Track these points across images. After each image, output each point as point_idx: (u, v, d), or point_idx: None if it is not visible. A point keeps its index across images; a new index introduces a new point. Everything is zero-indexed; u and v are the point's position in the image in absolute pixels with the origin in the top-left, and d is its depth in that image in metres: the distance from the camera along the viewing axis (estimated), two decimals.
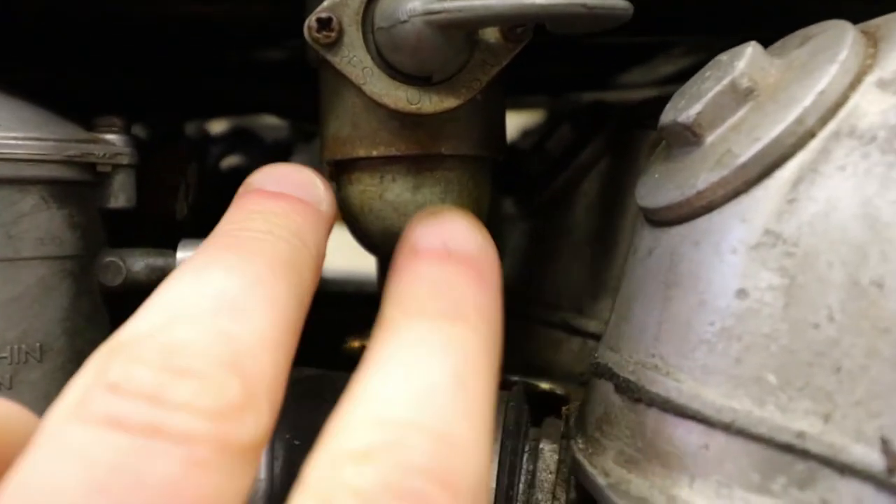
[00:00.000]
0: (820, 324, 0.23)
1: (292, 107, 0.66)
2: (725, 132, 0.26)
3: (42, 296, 0.31)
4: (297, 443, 0.31)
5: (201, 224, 0.50)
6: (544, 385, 0.40)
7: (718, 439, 0.24)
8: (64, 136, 0.32)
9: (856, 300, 0.22)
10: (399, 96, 0.29)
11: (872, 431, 0.21)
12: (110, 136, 0.33)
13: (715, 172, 0.25)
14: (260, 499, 0.30)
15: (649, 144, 0.43)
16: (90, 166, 0.32)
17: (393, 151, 0.31)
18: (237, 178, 0.71)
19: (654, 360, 0.26)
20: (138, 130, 0.62)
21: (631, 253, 0.30)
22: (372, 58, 0.29)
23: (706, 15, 0.46)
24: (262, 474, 0.31)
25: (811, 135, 0.24)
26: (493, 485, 0.31)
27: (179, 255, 0.33)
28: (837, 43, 0.25)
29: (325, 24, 0.28)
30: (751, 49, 0.27)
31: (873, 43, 0.26)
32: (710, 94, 0.26)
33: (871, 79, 0.24)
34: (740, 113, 0.26)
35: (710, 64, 0.29)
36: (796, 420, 0.22)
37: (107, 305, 0.35)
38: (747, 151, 0.24)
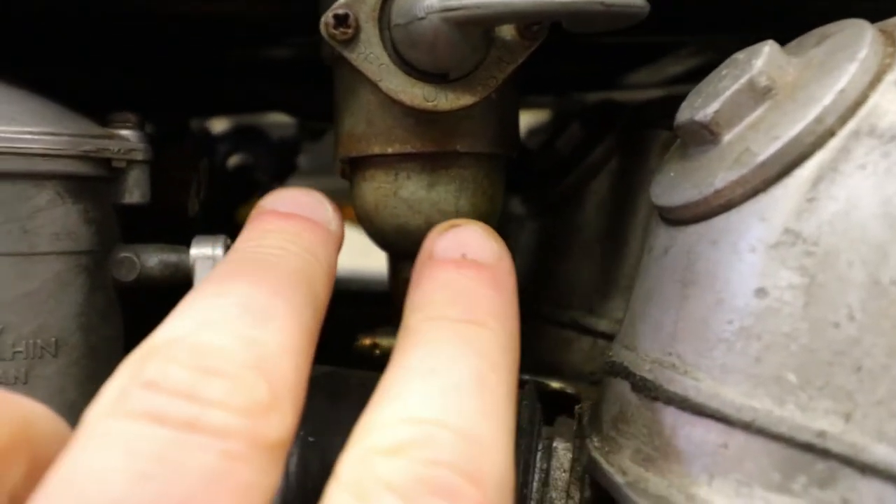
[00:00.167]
0: (840, 323, 0.22)
1: (298, 104, 0.66)
2: (743, 131, 0.26)
3: (57, 291, 0.31)
4: (311, 439, 0.31)
5: (210, 221, 0.50)
6: (555, 384, 0.40)
7: (738, 438, 0.24)
8: (79, 131, 0.32)
9: (876, 299, 0.22)
10: (415, 93, 0.29)
11: (894, 431, 0.21)
12: (125, 132, 0.33)
13: (733, 171, 0.25)
14: (276, 493, 0.30)
15: (660, 144, 0.43)
16: (105, 162, 0.32)
17: (408, 149, 0.31)
18: (244, 175, 0.71)
19: (672, 359, 0.26)
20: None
21: (646, 251, 0.30)
22: (388, 55, 0.29)
23: (713, 14, 0.46)
24: None
25: (831, 133, 0.24)
26: None
27: (193, 251, 0.33)
28: (856, 42, 0.25)
29: (342, 20, 0.28)
30: (768, 48, 0.27)
31: (892, 42, 0.26)
32: (728, 93, 0.26)
33: (890, 77, 0.24)
34: (758, 112, 0.26)
35: (726, 62, 0.28)
36: (817, 419, 0.22)
37: (120, 301, 0.35)
38: (766, 150, 0.24)
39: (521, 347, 0.26)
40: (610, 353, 0.30)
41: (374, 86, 0.29)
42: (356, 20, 0.28)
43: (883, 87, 0.24)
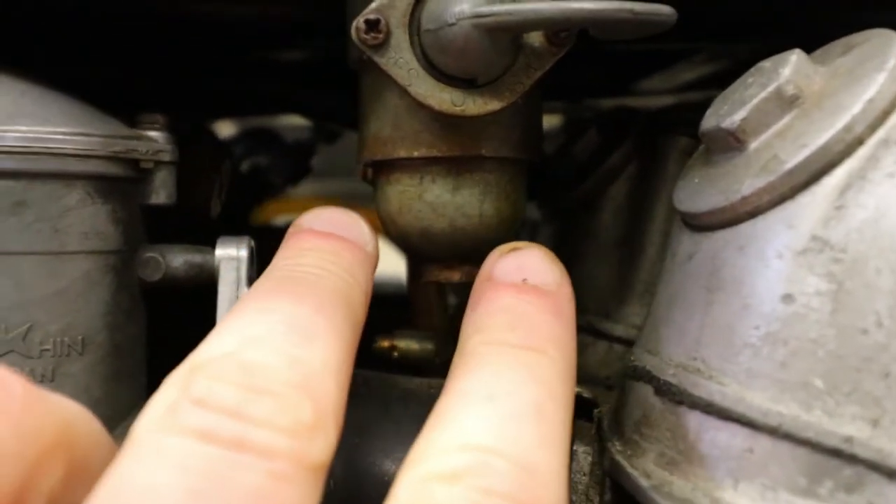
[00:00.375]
0: (868, 329, 0.23)
1: (315, 107, 0.67)
2: (770, 138, 0.26)
3: (86, 290, 0.31)
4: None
5: (224, 223, 0.51)
6: None
7: (764, 443, 0.24)
8: (109, 132, 0.32)
9: None
10: (444, 98, 0.29)
11: None
12: (153, 133, 0.34)
13: (761, 178, 0.25)
14: None
15: (678, 150, 0.43)
16: (134, 162, 0.33)
17: (434, 153, 0.31)
18: (258, 178, 0.71)
19: (696, 364, 0.26)
20: None
21: (668, 257, 0.30)
22: (418, 60, 0.29)
23: (726, 21, 0.46)
24: None
25: (859, 142, 0.24)
26: None
27: (218, 251, 0.34)
28: (885, 51, 0.25)
29: (373, 25, 0.28)
30: (795, 56, 0.27)
31: None
32: (755, 101, 0.26)
33: None
34: (785, 120, 0.26)
35: (751, 70, 0.29)
36: (844, 425, 0.23)
37: (144, 300, 0.35)
38: (794, 158, 0.25)
39: None
40: (632, 358, 0.31)
41: (402, 90, 0.30)
42: (387, 25, 0.28)
43: None
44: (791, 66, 0.26)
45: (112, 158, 0.32)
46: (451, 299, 0.43)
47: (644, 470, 0.27)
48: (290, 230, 0.29)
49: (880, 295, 0.23)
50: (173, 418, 0.19)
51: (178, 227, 0.37)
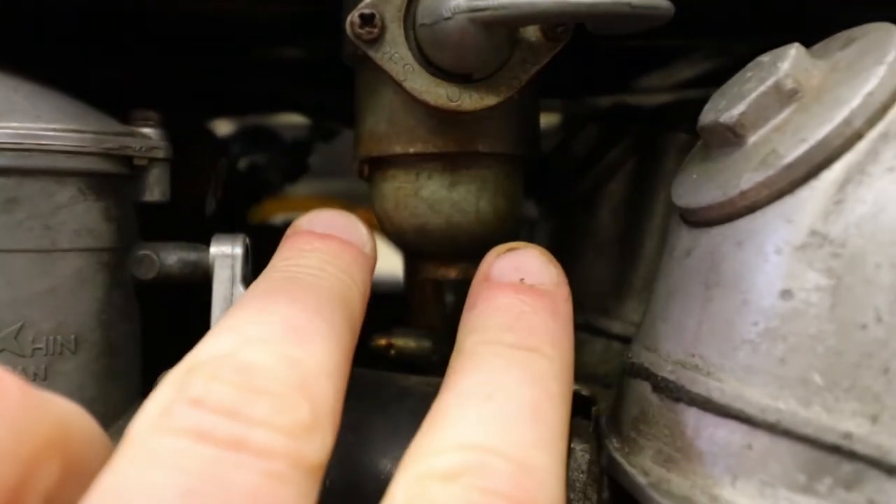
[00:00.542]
0: (867, 325, 0.23)
1: (312, 104, 0.66)
2: (769, 133, 0.26)
3: (78, 288, 0.31)
4: None
5: (222, 221, 0.50)
6: None
7: (762, 439, 0.24)
8: (101, 128, 0.32)
9: None
10: (439, 93, 0.29)
11: None
12: (146, 130, 0.33)
13: (759, 172, 0.25)
14: None
15: (677, 147, 0.43)
16: (127, 159, 0.33)
17: (430, 148, 0.31)
18: (256, 176, 0.71)
19: (695, 360, 0.26)
20: None
21: (666, 253, 0.30)
22: (413, 55, 0.29)
23: (725, 18, 0.46)
24: None
25: (858, 136, 0.24)
26: None
27: (213, 249, 0.33)
28: (884, 45, 0.25)
29: (367, 20, 0.28)
30: (794, 50, 0.27)
31: None
32: (754, 95, 0.26)
33: None
34: (784, 114, 0.26)
35: (750, 65, 0.29)
36: (843, 421, 0.22)
37: (138, 298, 0.35)
38: (793, 152, 0.24)
39: None
40: (629, 355, 0.30)
41: (398, 85, 0.29)
42: (382, 20, 0.28)
43: None
44: (790, 61, 0.26)
45: (105, 155, 0.31)
46: (448, 297, 0.43)
47: (642, 467, 0.27)
48: (289, 231, 0.29)
49: (880, 290, 0.22)
50: (170, 418, 0.19)
51: (174, 225, 0.37)
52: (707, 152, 0.29)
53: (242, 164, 0.73)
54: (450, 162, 0.32)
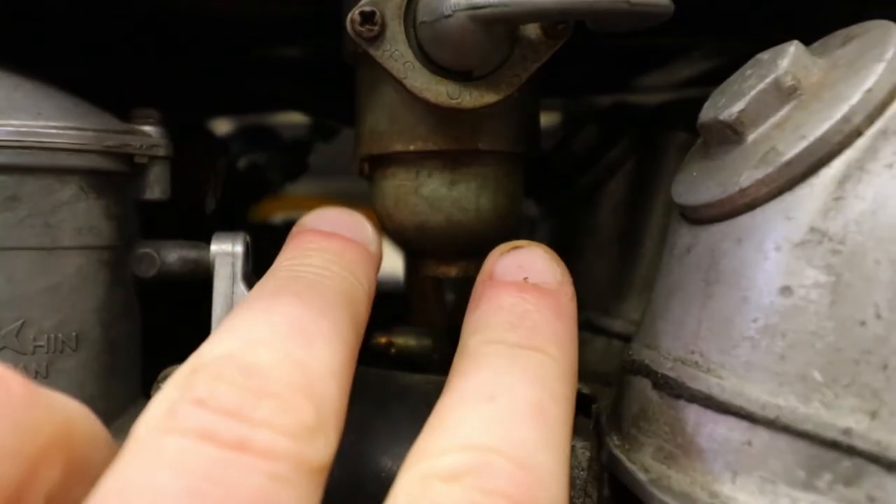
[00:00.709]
0: (867, 321, 0.23)
1: (313, 104, 0.66)
2: (768, 130, 0.26)
3: (79, 285, 0.31)
4: None
5: (222, 220, 0.50)
6: None
7: (762, 436, 0.24)
8: (102, 126, 0.32)
9: None
10: (439, 91, 0.29)
11: None
12: (147, 128, 0.33)
13: (759, 170, 0.25)
14: None
15: (677, 146, 0.43)
16: (128, 157, 0.33)
17: (430, 146, 0.31)
18: (255, 175, 0.71)
19: (694, 357, 0.26)
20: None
21: (666, 250, 0.30)
22: (413, 52, 0.29)
23: (724, 17, 0.46)
24: None
25: (858, 133, 0.24)
26: None
27: (213, 247, 0.33)
28: (883, 42, 0.25)
29: (368, 17, 0.28)
30: (794, 48, 0.27)
31: None
32: (753, 93, 0.26)
33: None
34: (783, 111, 0.26)
35: (750, 63, 0.29)
36: (843, 417, 0.22)
37: (139, 296, 0.35)
38: (793, 149, 0.24)
39: None
40: (630, 352, 0.30)
41: (398, 83, 0.29)
42: (382, 17, 0.28)
43: None
44: (789, 58, 0.26)
45: (106, 153, 0.31)
46: (449, 295, 0.43)
47: (642, 464, 0.27)
48: (294, 230, 0.29)
49: (879, 287, 0.23)
50: (174, 418, 0.19)
51: (174, 223, 0.37)
52: (707, 150, 0.29)
53: (242, 163, 0.73)
54: (450, 160, 0.32)
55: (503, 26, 0.28)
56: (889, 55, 0.24)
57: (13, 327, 0.30)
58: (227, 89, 0.65)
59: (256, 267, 0.34)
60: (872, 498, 0.22)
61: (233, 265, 0.33)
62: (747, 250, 0.25)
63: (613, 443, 0.29)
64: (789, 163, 0.24)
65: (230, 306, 0.32)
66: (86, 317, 0.32)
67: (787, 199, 0.25)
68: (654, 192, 0.43)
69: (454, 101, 0.29)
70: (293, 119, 0.76)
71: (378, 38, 0.29)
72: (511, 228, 0.35)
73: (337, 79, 0.44)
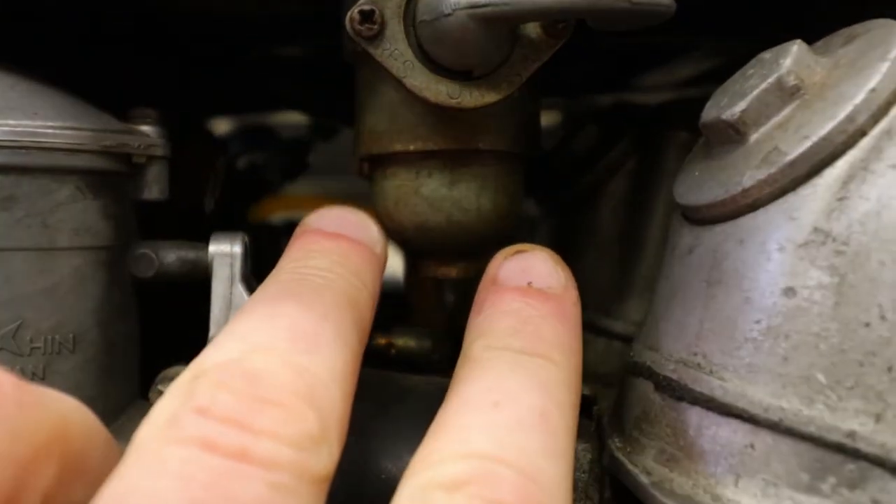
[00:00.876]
0: (871, 323, 0.22)
1: (313, 103, 0.66)
2: (771, 130, 0.26)
3: (76, 286, 0.31)
4: None
5: (221, 220, 0.50)
6: None
7: (765, 438, 0.23)
8: (100, 126, 0.31)
9: None
10: (439, 90, 0.29)
11: None
12: (145, 128, 0.33)
13: (761, 170, 0.25)
14: None
15: (678, 145, 0.43)
16: (125, 157, 0.32)
17: (430, 146, 0.31)
18: (255, 175, 0.70)
19: (697, 359, 0.26)
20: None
21: (668, 251, 0.30)
22: (413, 51, 0.29)
23: (725, 17, 0.46)
24: None
25: (862, 133, 0.24)
26: None
27: (211, 248, 0.33)
28: (887, 41, 0.25)
29: (367, 16, 0.28)
30: (796, 47, 0.26)
31: None
32: (756, 92, 0.26)
33: None
34: (786, 111, 0.26)
35: (752, 62, 0.28)
36: (846, 420, 0.22)
37: (136, 296, 0.35)
38: (796, 149, 0.24)
39: None
40: (631, 354, 0.30)
41: (398, 83, 0.29)
42: (382, 16, 0.28)
43: None
44: (792, 57, 0.26)
45: (103, 153, 0.31)
46: (449, 296, 0.43)
47: (644, 467, 0.27)
48: (298, 230, 0.28)
49: (883, 288, 0.22)
50: (176, 427, 0.19)
51: (172, 223, 0.37)
52: (709, 150, 0.29)
53: (241, 162, 0.72)
54: (450, 159, 0.31)
55: (504, 25, 0.27)
56: (893, 54, 0.24)
57: (10, 328, 0.30)
58: (226, 89, 0.65)
59: (255, 267, 0.33)
60: (877, 501, 0.22)
61: (231, 266, 0.33)
62: (750, 251, 0.25)
63: (615, 445, 0.29)
64: (792, 163, 0.24)
65: (229, 307, 0.32)
66: (83, 318, 0.31)
67: (791, 199, 0.24)
68: (654, 192, 0.43)
69: (454, 101, 0.29)
70: (292, 119, 0.76)
71: (377, 36, 0.28)
72: (512, 228, 0.34)
73: (336, 78, 0.44)
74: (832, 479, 0.22)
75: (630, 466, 0.27)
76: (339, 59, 0.35)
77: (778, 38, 0.28)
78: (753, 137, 0.26)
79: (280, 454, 0.18)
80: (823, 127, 0.24)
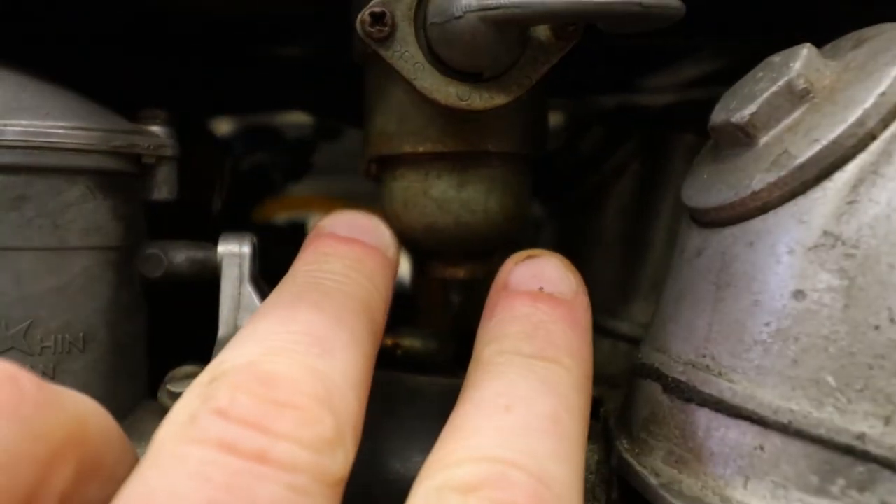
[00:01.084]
0: (881, 326, 0.22)
1: (314, 103, 0.66)
2: (780, 133, 0.26)
3: (86, 286, 0.31)
4: None
5: (226, 220, 0.50)
6: None
7: (774, 440, 0.24)
8: (110, 126, 0.32)
9: None
10: (449, 92, 0.29)
11: None
12: (154, 128, 0.33)
13: (771, 173, 0.25)
14: None
15: (684, 147, 0.43)
16: (135, 157, 0.32)
17: (440, 148, 0.31)
18: (259, 175, 0.71)
19: (706, 361, 0.26)
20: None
21: (676, 253, 0.30)
22: (423, 53, 0.29)
23: (729, 18, 0.46)
24: None
25: (872, 137, 0.24)
26: None
27: (220, 248, 0.33)
28: None
29: (378, 18, 0.28)
30: (806, 50, 0.26)
31: None
32: (765, 95, 0.26)
33: None
34: (795, 114, 0.26)
35: (761, 65, 0.28)
36: (856, 422, 0.22)
37: (145, 296, 0.35)
38: (805, 153, 0.24)
39: None
40: (639, 355, 0.30)
41: (408, 84, 0.29)
42: (392, 18, 0.28)
43: None
44: (802, 60, 0.26)
45: (113, 153, 0.31)
46: (455, 297, 0.43)
47: (652, 468, 0.27)
48: (311, 234, 0.29)
49: (893, 291, 0.22)
50: (195, 427, 0.19)
51: (180, 223, 0.37)
52: (718, 152, 0.29)
53: (245, 163, 0.73)
54: (459, 161, 0.32)
55: (514, 28, 0.27)
56: None
57: (21, 328, 0.30)
58: (229, 89, 0.65)
59: (262, 268, 0.33)
60: (886, 503, 0.22)
61: (240, 266, 0.33)
62: (759, 254, 0.25)
63: (623, 446, 0.29)
64: (802, 166, 0.24)
65: (237, 307, 0.32)
66: (93, 317, 0.32)
67: (800, 202, 0.25)
68: (661, 193, 0.43)
69: (464, 103, 0.29)
70: (296, 119, 0.76)
71: (388, 38, 0.28)
72: (519, 230, 0.35)
73: (340, 78, 0.44)
74: (841, 482, 0.22)
75: (638, 468, 0.27)
76: (341, 58, 0.36)
77: (783, 39, 0.28)
78: (763, 140, 0.26)
79: (298, 457, 0.19)
80: (833, 130, 0.24)
